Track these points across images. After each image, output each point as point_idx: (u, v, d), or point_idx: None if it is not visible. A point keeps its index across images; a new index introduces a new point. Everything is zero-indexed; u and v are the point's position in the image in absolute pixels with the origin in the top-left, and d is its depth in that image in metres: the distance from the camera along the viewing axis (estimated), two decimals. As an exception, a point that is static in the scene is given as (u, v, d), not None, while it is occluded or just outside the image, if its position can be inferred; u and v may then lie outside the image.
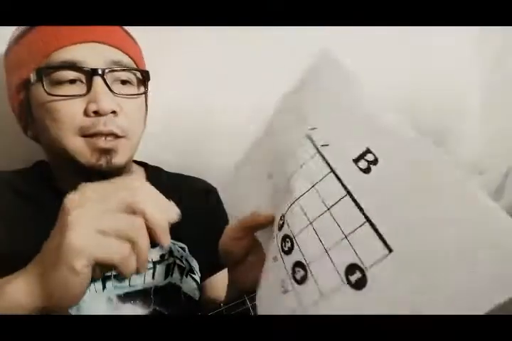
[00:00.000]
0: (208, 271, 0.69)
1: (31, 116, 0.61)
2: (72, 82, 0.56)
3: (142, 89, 0.63)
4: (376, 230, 0.32)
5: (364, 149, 0.35)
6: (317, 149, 0.40)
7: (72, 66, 0.56)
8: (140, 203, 0.36)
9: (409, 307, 0.28)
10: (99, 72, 0.56)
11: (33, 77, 0.57)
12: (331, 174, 0.37)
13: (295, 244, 0.38)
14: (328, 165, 0.38)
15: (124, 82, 0.60)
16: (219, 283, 0.68)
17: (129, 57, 0.62)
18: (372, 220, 0.33)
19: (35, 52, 0.57)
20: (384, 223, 0.32)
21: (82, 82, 0.57)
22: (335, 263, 0.34)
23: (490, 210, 0.27)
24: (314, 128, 0.41)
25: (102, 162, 0.57)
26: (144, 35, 0.77)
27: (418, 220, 0.30)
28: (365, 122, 0.37)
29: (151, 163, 0.76)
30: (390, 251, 0.31)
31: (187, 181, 0.76)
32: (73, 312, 0.53)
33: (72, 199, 0.36)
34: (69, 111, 0.56)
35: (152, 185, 0.72)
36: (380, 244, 0.31)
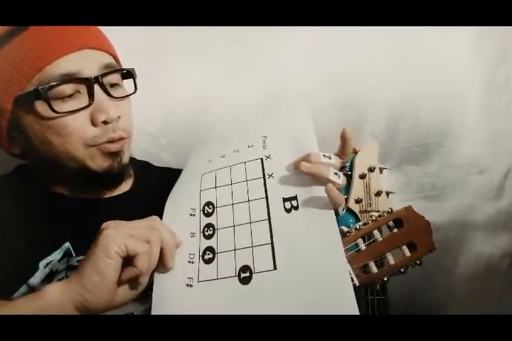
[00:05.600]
0: None
1: (22, 133, 0.59)
2: (70, 95, 0.55)
3: (129, 89, 0.62)
4: (273, 250, 0.46)
5: (293, 195, 0.48)
6: (263, 175, 0.51)
7: (73, 78, 0.55)
8: (157, 222, 0.49)
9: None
10: (99, 79, 0.56)
11: (29, 96, 0.54)
12: (264, 199, 0.49)
13: (215, 234, 0.50)
14: (266, 191, 0.50)
15: (112, 85, 0.59)
16: None
17: (113, 57, 0.61)
18: (275, 245, 0.46)
19: (25, 68, 0.55)
20: (280, 252, 0.46)
21: (80, 92, 0.56)
22: (236, 260, 0.47)
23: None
24: (268, 157, 0.52)
25: (115, 164, 0.59)
26: (143, 35, 0.77)
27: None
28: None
29: (151, 162, 0.76)
30: (275, 268, 0.45)
31: (176, 174, 0.76)
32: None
33: (106, 224, 0.46)
34: (77, 125, 0.56)
35: (141, 178, 0.73)
36: (271, 261, 0.45)
